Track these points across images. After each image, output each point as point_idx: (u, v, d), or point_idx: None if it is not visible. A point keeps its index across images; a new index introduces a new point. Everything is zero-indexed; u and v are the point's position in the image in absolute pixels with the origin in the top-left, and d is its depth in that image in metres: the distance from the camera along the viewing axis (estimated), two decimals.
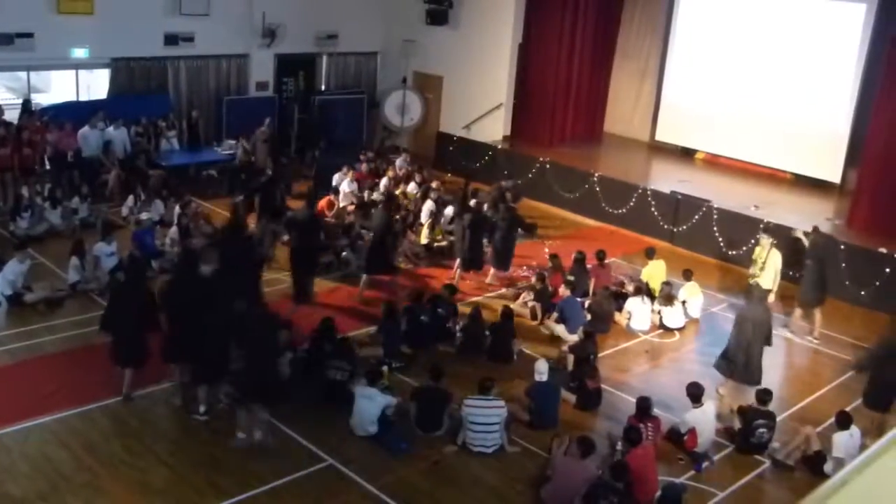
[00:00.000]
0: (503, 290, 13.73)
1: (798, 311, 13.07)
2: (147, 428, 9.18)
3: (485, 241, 14.05)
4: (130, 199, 15.56)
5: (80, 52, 17.32)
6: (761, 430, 9.49)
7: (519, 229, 14.84)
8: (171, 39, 18.40)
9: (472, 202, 15.07)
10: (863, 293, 14.05)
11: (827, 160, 18.05)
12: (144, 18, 17.80)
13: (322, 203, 15.70)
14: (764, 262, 12.72)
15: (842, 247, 14.32)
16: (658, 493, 8.36)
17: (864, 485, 2.62)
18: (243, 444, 8.91)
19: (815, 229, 13.53)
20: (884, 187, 15.36)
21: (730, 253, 15.61)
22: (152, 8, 17.99)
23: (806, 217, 15.25)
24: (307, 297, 12.37)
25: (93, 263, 12.63)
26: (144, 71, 18.33)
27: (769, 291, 12.40)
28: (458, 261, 13.90)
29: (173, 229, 13.95)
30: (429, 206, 15.67)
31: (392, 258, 13.34)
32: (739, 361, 10.39)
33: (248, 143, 17.71)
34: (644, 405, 9.32)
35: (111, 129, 16.88)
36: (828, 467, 9.06)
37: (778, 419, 9.76)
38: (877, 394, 10.06)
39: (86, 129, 16.44)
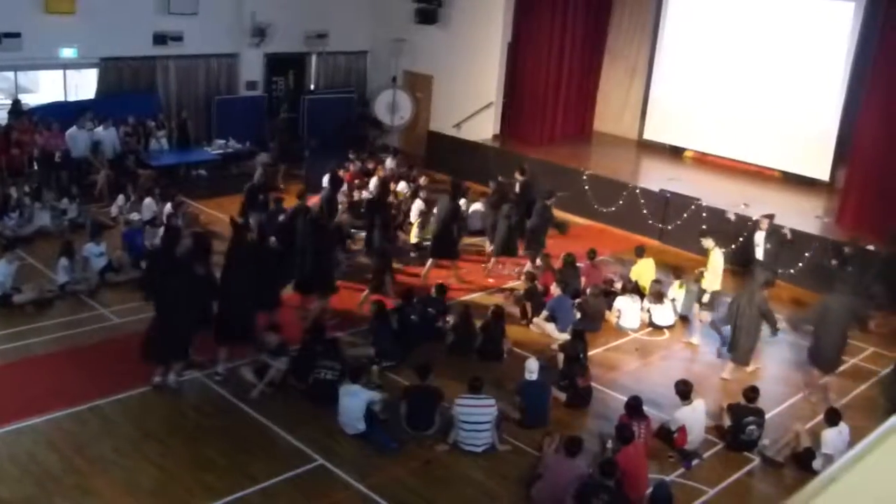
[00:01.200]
0: (495, 290, 13.77)
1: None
2: (137, 429, 9.15)
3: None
4: (120, 199, 15.52)
5: (68, 52, 17.23)
6: (751, 427, 9.54)
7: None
8: (159, 39, 18.32)
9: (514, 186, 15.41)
10: None
11: (816, 158, 18.08)
12: (133, 18, 17.72)
13: (313, 201, 15.62)
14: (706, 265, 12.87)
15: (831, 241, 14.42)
16: (649, 491, 8.39)
17: (854, 481, 2.62)
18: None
19: (771, 216, 13.85)
20: (872, 185, 15.42)
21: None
22: (141, 7, 17.92)
23: (795, 215, 15.31)
24: (386, 287, 12.72)
25: (82, 264, 12.59)
26: (133, 70, 18.26)
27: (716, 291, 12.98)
28: (490, 248, 14.62)
29: (162, 229, 13.89)
30: (418, 205, 15.68)
31: (457, 244, 13.96)
32: (739, 344, 11.11)
33: (269, 151, 17.69)
34: (635, 404, 9.34)
35: (100, 129, 16.81)
36: (817, 464, 9.10)
37: (767, 416, 9.80)
38: (818, 353, 10.96)
39: (74, 129, 16.37)
